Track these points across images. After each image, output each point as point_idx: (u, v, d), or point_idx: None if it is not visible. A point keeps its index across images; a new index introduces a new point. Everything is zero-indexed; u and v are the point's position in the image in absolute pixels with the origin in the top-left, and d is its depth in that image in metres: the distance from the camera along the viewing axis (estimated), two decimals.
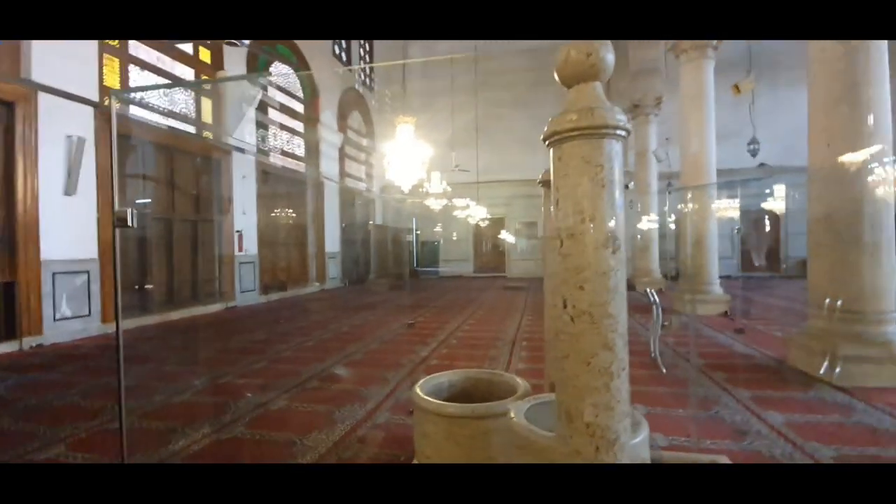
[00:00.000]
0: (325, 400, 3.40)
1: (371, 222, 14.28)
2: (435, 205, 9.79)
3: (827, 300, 3.65)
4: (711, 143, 7.56)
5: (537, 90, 16.76)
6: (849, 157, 3.81)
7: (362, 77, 15.77)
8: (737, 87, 6.01)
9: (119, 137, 6.83)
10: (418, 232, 17.21)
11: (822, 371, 3.49)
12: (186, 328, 6.91)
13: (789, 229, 15.53)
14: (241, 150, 9.44)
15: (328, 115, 13.01)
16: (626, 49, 12.40)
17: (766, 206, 12.04)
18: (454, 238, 17.45)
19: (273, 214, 10.96)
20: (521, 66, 16.62)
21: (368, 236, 13.84)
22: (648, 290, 2.42)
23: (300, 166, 12.31)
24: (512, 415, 1.55)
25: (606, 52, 1.04)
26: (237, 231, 9.20)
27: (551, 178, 1.12)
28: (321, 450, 2.56)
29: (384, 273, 12.34)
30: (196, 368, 4.46)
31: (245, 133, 9.68)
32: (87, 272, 6.16)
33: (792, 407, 3.16)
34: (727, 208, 11.62)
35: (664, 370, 3.66)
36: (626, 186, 14.14)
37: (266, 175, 10.49)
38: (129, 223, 1.54)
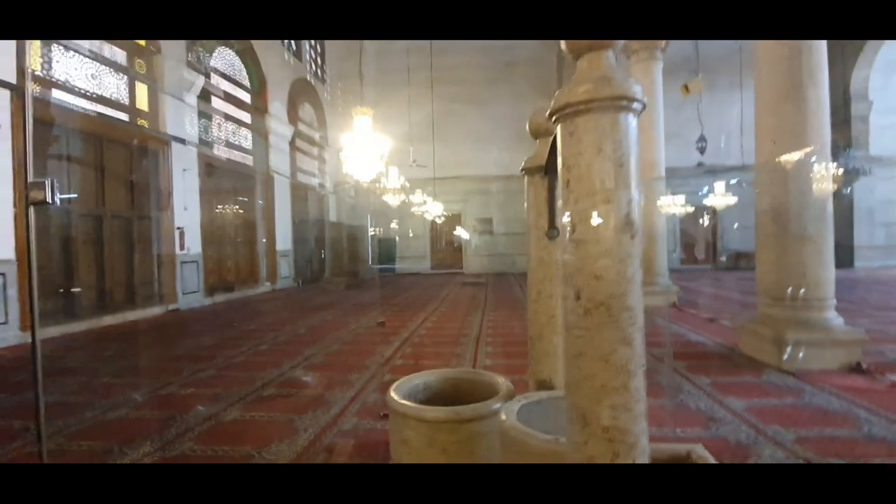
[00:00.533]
0: (285, 408, 3.16)
1: (327, 220, 13.80)
2: (392, 201, 9.56)
3: (789, 289, 3.84)
4: (660, 141, 7.88)
5: (490, 87, 16.88)
6: (792, 155, 4.02)
7: (314, 68, 15.17)
8: (686, 88, 6.28)
9: (39, 124, 6.10)
10: (374, 230, 16.86)
11: (785, 357, 3.68)
12: (122, 334, 6.31)
13: (724, 224, 16.61)
14: (182, 141, 8.76)
15: (277, 107, 12.40)
16: None
17: (707, 202, 12.76)
18: (410, 235, 17.25)
19: (218, 210, 10.29)
20: (474, 63, 16.66)
21: (322, 234, 13.37)
22: None
23: (248, 159, 11.66)
24: (504, 417, 1.44)
25: None
26: (178, 228, 8.54)
27: (559, 157, 1.01)
28: (283, 462, 2.35)
29: (340, 271, 11.95)
30: (134, 379, 4.04)
31: (186, 123, 9.00)
32: (3, 275, 5.45)
33: (750, 392, 3.28)
34: (671, 205, 12.21)
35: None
36: None
37: (210, 168, 9.82)
38: (48, 199, 1.27)
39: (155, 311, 7.92)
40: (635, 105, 0.93)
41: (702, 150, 8.70)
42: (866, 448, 2.38)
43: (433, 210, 13.20)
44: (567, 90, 0.95)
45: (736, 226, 16.11)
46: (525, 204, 1.83)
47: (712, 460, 1.36)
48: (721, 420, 2.80)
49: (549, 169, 1.70)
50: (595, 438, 0.95)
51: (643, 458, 0.94)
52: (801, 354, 3.74)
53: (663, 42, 7.56)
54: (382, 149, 6.43)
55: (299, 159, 14.02)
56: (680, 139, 13.52)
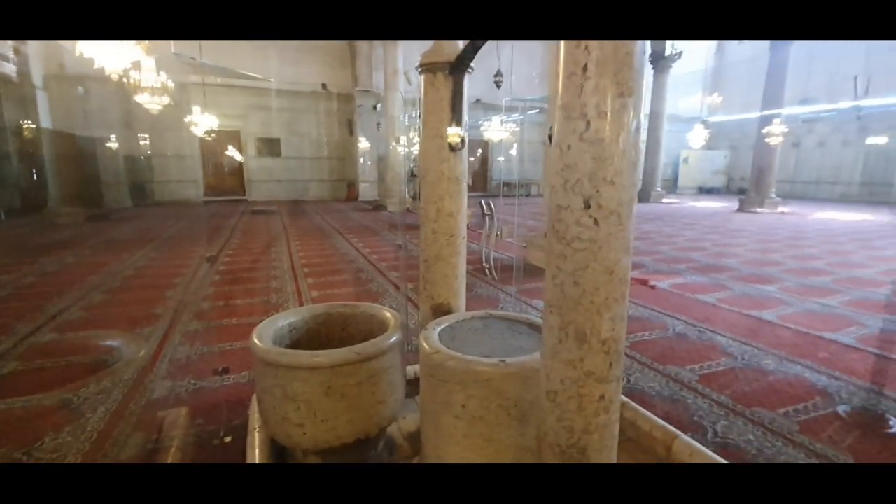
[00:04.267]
0: (46, 384, 2.25)
1: (42, 127, 9.85)
2: (151, 104, 7.37)
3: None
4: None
5: None
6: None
7: None
8: None
9: None
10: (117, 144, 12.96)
11: None
12: None
13: (494, 156, 19.09)
14: None
15: None
16: None
17: (485, 136, 14.26)
18: (170, 154, 14.03)
19: None
20: None
21: (34, 146, 9.61)
22: (483, 201, 2.42)
23: None
24: (428, 347, 1.29)
25: None
26: None
27: (565, 45, 0.83)
28: (71, 458, 1.68)
29: (75, 199, 8.95)
30: None
31: None
32: None
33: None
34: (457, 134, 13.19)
35: (496, 277, 3.96)
36: (374, 107, 14.11)
37: None
38: None
39: None
40: None
41: (498, 85, 9.49)
42: (630, 325, 3.16)
43: (206, 123, 10.93)
44: None
45: (501, 158, 18.68)
46: (421, 109, 1.57)
47: None
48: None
49: (457, 66, 1.48)
50: (593, 353, 0.90)
51: (621, 362, 0.96)
52: None
53: None
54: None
55: None
56: (482, 72, 14.39)
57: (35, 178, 10.51)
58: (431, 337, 1.35)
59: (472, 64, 1.51)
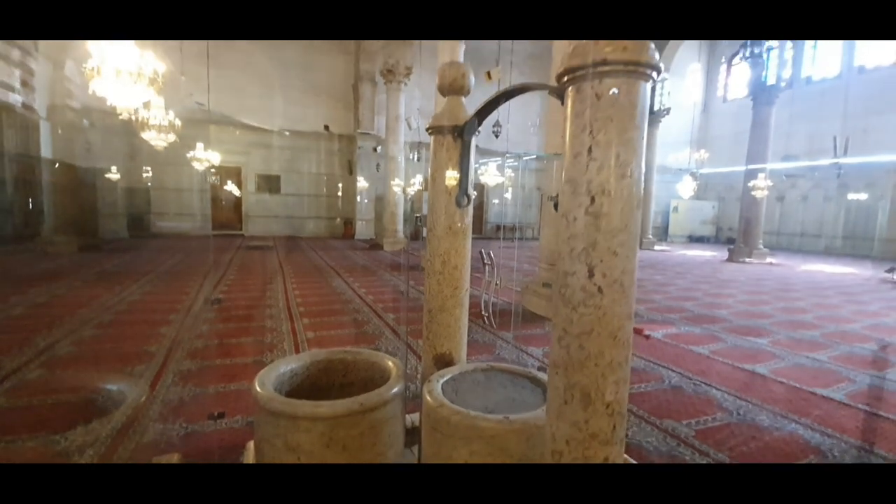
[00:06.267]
0: (31, 425, 2.20)
1: (43, 156, 9.98)
2: (157, 141, 7.54)
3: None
4: None
5: None
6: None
7: None
8: (489, 74, 6.91)
9: None
10: (118, 176, 13.11)
11: None
12: None
13: (490, 199, 19.46)
14: None
15: None
16: None
17: (481, 179, 14.60)
18: (170, 187, 14.18)
19: None
20: None
21: (33, 175, 9.69)
22: (483, 251, 2.49)
23: None
24: (432, 400, 1.31)
25: None
26: None
27: (569, 121, 0.91)
28: None
29: (70, 228, 8.94)
30: None
31: None
32: None
33: (543, 342, 3.96)
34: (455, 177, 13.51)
35: (495, 326, 3.97)
36: (375, 149, 14.47)
37: None
38: None
39: None
40: (656, 76, 0.90)
41: (496, 135, 9.88)
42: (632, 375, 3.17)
43: (210, 159, 11.14)
44: (596, 45, 0.85)
45: (497, 202, 19.04)
46: (430, 167, 1.66)
47: None
48: (530, 367, 3.29)
49: (465, 129, 1.58)
50: (597, 415, 0.93)
51: (624, 424, 0.99)
52: None
53: None
54: (149, 69, 4.93)
55: None
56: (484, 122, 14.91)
57: (31, 206, 10.52)
58: (435, 390, 1.37)
59: (478, 126, 1.62)
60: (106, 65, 4.49)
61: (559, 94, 1.01)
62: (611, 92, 0.86)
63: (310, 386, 1.77)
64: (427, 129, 1.63)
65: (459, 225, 1.64)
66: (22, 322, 4.02)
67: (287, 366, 1.75)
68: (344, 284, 6.50)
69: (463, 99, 1.64)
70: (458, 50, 8.20)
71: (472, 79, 1.65)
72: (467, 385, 1.46)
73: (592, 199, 0.90)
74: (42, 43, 10.83)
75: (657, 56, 0.88)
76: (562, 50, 4.83)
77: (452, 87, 1.59)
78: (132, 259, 8.44)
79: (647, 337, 4.25)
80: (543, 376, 1.51)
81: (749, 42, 11.97)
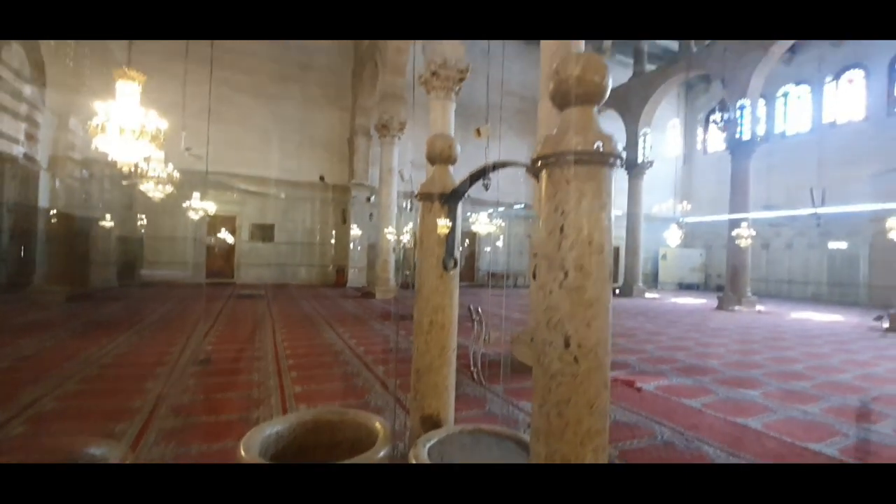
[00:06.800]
0: None
1: (40, 206, 10.07)
2: (154, 192, 7.69)
3: None
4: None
5: (281, 84, 15.76)
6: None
7: None
8: (478, 131, 7.25)
9: None
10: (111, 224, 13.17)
11: None
12: None
13: (482, 247, 19.69)
14: None
15: None
16: (377, 71, 13.15)
17: (473, 228, 14.88)
18: (163, 236, 14.25)
19: None
20: (265, 53, 15.31)
21: (29, 224, 9.73)
22: (472, 306, 2.54)
23: None
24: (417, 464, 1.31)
25: (609, 74, 1.00)
26: None
27: (543, 200, 1.00)
28: None
29: (62, 277, 8.88)
30: None
31: None
32: None
33: (531, 395, 3.92)
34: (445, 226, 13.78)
35: (484, 383, 3.94)
36: (368, 199, 14.76)
37: None
38: None
39: None
40: (618, 163, 1.00)
41: (486, 187, 10.27)
42: (619, 431, 3.14)
43: (205, 209, 11.29)
44: (573, 139, 0.96)
45: (488, 249, 19.27)
46: (418, 231, 1.75)
47: None
48: (522, 423, 3.25)
49: (451, 197, 1.68)
50: None
51: None
52: None
53: (458, 86, 8.56)
54: (151, 126, 5.12)
55: None
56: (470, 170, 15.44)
57: (23, 254, 10.49)
58: (421, 454, 1.38)
59: (462, 166, 1.71)
60: (111, 122, 4.67)
61: (535, 174, 1.11)
62: (577, 177, 0.96)
63: (296, 448, 1.75)
64: (415, 196, 1.73)
65: (447, 287, 1.70)
66: (9, 375, 3.94)
67: (273, 428, 1.74)
68: (334, 335, 6.44)
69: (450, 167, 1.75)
70: (448, 107, 8.62)
71: (459, 148, 1.78)
72: (454, 448, 1.47)
73: (566, 274, 0.97)
74: (50, 97, 11.23)
75: (619, 146, 0.98)
76: (546, 111, 5.12)
77: (441, 157, 1.70)
78: (121, 309, 8.34)
79: (639, 390, 4.23)
80: (528, 438, 1.52)
81: (718, 106, 12.72)
